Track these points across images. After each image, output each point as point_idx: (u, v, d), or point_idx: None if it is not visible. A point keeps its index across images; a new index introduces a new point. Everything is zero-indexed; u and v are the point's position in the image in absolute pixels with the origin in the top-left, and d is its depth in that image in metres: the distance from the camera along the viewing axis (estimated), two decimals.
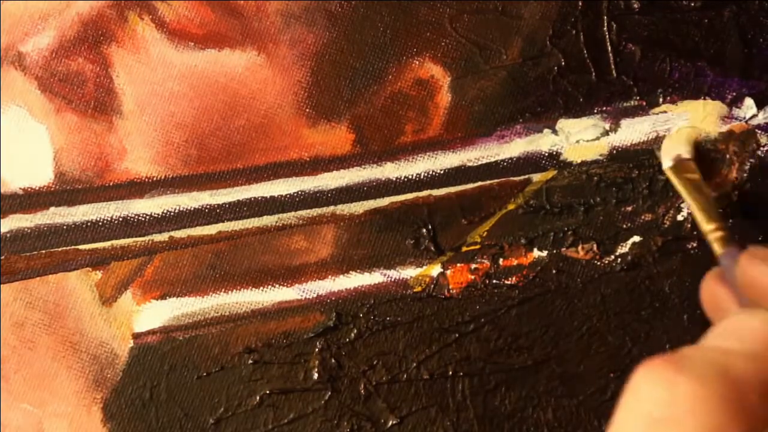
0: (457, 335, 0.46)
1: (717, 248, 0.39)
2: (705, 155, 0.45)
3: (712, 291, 0.39)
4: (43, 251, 0.45)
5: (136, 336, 0.45)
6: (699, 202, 0.41)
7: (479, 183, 0.45)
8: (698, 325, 0.44)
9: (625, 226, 0.46)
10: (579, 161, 0.45)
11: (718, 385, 0.28)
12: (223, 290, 0.46)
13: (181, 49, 0.45)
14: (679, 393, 0.28)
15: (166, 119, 0.45)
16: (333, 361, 0.46)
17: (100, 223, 0.45)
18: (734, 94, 0.45)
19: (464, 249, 0.46)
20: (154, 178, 0.45)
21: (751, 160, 0.45)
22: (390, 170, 0.45)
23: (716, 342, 0.31)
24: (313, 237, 0.46)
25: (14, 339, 0.45)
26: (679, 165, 0.44)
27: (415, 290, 0.46)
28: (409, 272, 0.46)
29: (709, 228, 0.40)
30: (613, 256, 0.45)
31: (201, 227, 0.45)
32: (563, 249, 0.46)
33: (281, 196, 0.45)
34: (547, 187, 0.45)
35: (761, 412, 0.28)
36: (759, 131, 0.45)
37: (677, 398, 0.28)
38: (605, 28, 0.45)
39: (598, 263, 0.45)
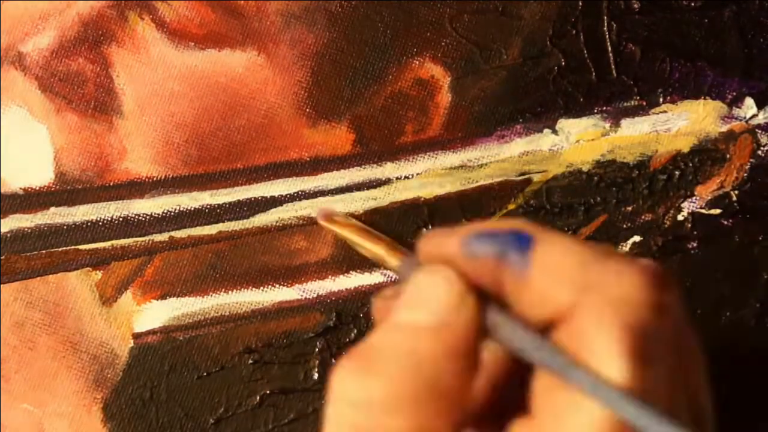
0: None
1: (392, 262, 0.38)
2: (704, 154, 0.45)
3: (383, 304, 0.36)
4: (43, 251, 0.45)
5: (137, 336, 0.45)
6: (366, 241, 0.40)
7: (479, 183, 0.45)
8: (698, 324, 0.44)
9: (625, 226, 0.46)
10: (579, 161, 0.45)
11: (402, 376, 0.28)
12: (223, 290, 0.46)
13: (181, 49, 0.45)
14: (367, 395, 0.28)
15: (166, 119, 0.45)
16: (333, 361, 0.46)
17: (100, 223, 0.45)
18: (734, 94, 0.45)
19: None
20: (155, 178, 0.45)
21: (751, 160, 0.45)
22: (390, 170, 0.45)
23: (406, 315, 0.30)
24: (313, 237, 0.46)
25: (14, 339, 0.45)
26: (334, 219, 0.43)
27: None
28: None
29: (379, 252, 0.39)
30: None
31: (201, 227, 0.45)
32: None
33: (281, 196, 0.45)
34: (547, 187, 0.45)
35: (457, 386, 0.28)
36: (759, 131, 0.45)
37: (366, 402, 0.28)
38: (605, 28, 0.45)
39: None
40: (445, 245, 0.31)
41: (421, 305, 0.30)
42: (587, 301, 0.27)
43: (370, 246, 0.39)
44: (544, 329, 0.29)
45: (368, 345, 0.29)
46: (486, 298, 0.30)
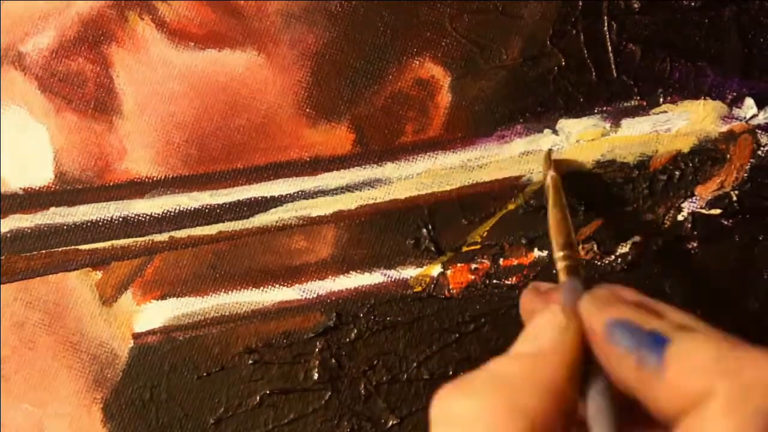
0: (457, 335, 0.46)
1: (561, 276, 0.38)
2: (704, 155, 0.45)
3: (530, 304, 0.39)
4: (43, 251, 0.45)
5: (137, 336, 0.45)
6: (561, 223, 0.40)
7: (479, 183, 0.45)
8: None
9: (625, 226, 0.46)
10: (579, 161, 0.45)
11: (493, 397, 0.30)
12: (223, 290, 0.46)
13: (181, 49, 0.45)
14: (460, 412, 0.30)
15: (166, 119, 0.45)
16: (333, 361, 0.46)
17: (100, 223, 0.45)
18: (734, 94, 0.45)
19: (464, 249, 0.46)
20: (154, 178, 0.45)
21: (751, 160, 0.45)
22: (390, 170, 0.45)
23: (515, 347, 0.33)
24: (313, 237, 0.46)
25: (14, 339, 0.45)
26: (560, 182, 0.43)
27: (415, 290, 0.46)
28: (409, 272, 0.46)
29: (560, 254, 0.38)
30: (613, 256, 0.45)
31: (201, 227, 0.45)
32: None
33: (281, 196, 0.45)
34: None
35: (544, 414, 0.30)
36: (759, 131, 0.45)
37: (459, 418, 0.30)
38: (605, 28, 0.45)
39: (598, 263, 0.45)
40: (592, 317, 0.33)
41: (530, 336, 0.33)
42: (720, 387, 0.29)
43: (555, 247, 0.40)
44: (676, 417, 0.30)
45: (475, 371, 0.32)
46: (594, 365, 0.33)
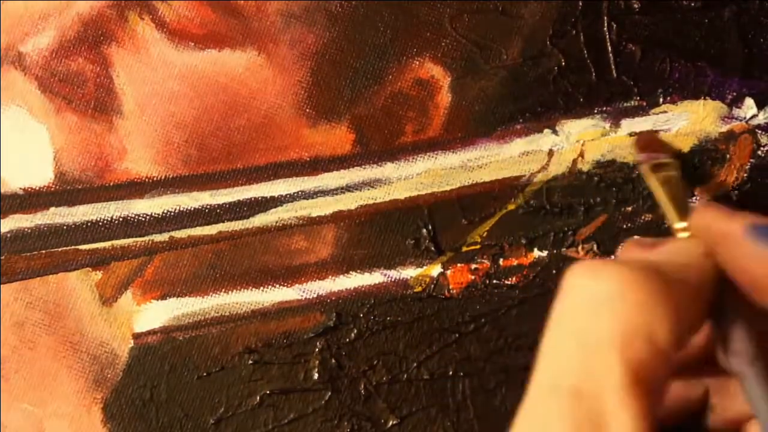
0: (457, 335, 0.46)
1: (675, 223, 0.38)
2: (704, 154, 0.45)
3: (632, 246, 0.39)
4: (43, 251, 0.45)
5: (137, 336, 0.45)
6: (672, 199, 0.40)
7: (479, 183, 0.45)
8: None
9: (625, 226, 0.46)
10: (579, 161, 0.45)
11: (645, 277, 0.30)
12: (223, 290, 0.46)
13: (181, 49, 0.45)
14: (606, 284, 0.30)
15: (166, 119, 0.45)
16: (333, 361, 0.46)
17: (100, 223, 0.45)
18: (734, 94, 0.45)
19: (464, 249, 0.46)
20: (154, 178, 0.45)
21: (751, 160, 0.45)
22: (390, 170, 0.45)
23: (656, 255, 0.33)
24: (313, 237, 0.46)
25: (14, 339, 0.45)
26: (655, 164, 0.43)
27: (415, 290, 0.46)
28: (409, 272, 0.46)
29: (680, 226, 0.39)
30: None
31: (201, 227, 0.45)
32: (563, 249, 0.46)
33: (281, 196, 0.45)
34: (547, 187, 0.45)
35: (688, 309, 0.30)
36: (759, 131, 0.45)
37: (604, 290, 0.29)
38: (605, 28, 0.45)
39: None
40: (728, 224, 0.33)
41: (669, 253, 0.33)
42: None
43: (663, 200, 0.39)
44: None
45: (606, 259, 0.33)
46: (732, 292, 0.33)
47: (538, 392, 0.29)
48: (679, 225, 0.38)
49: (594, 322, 0.29)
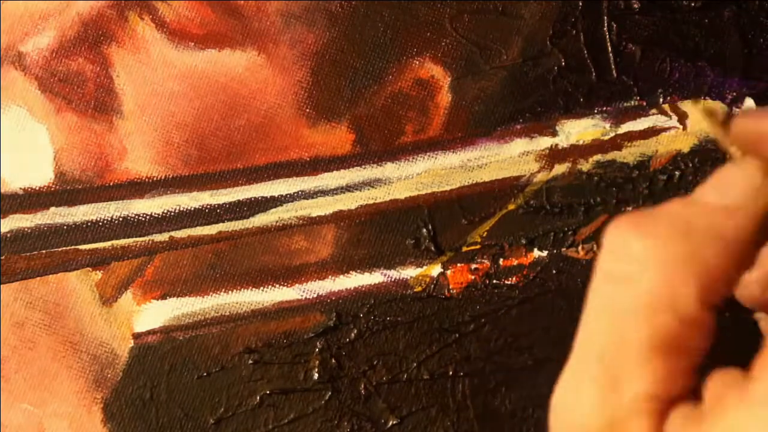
0: (457, 335, 0.46)
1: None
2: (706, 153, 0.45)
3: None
4: (43, 251, 0.45)
5: (137, 336, 0.45)
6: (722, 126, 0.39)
7: (479, 183, 0.45)
8: None
9: None
10: (579, 161, 0.45)
11: (671, 241, 0.29)
12: (223, 290, 0.46)
13: (181, 49, 0.45)
14: (634, 249, 0.29)
15: (166, 119, 0.45)
16: (333, 361, 0.46)
17: (100, 223, 0.45)
18: (734, 94, 0.45)
19: (464, 249, 0.46)
20: (155, 178, 0.45)
21: None
22: (390, 170, 0.45)
23: (699, 196, 0.32)
24: (313, 237, 0.46)
25: (14, 339, 0.45)
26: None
27: (415, 290, 0.46)
28: (409, 272, 0.46)
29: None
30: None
31: (201, 227, 0.45)
32: (563, 249, 0.46)
33: (281, 196, 0.45)
34: (547, 187, 0.45)
35: (719, 268, 0.29)
36: None
37: (631, 255, 0.29)
38: (605, 28, 0.45)
39: None
40: (765, 124, 0.32)
41: (717, 188, 0.32)
42: None
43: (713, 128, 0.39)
44: None
45: (653, 210, 0.31)
46: None
47: (573, 358, 0.30)
48: (732, 148, 0.38)
49: (621, 290, 0.29)
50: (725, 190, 0.32)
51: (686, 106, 0.43)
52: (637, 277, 0.29)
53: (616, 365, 0.28)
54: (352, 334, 0.46)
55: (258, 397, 0.46)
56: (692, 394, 0.29)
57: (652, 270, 0.29)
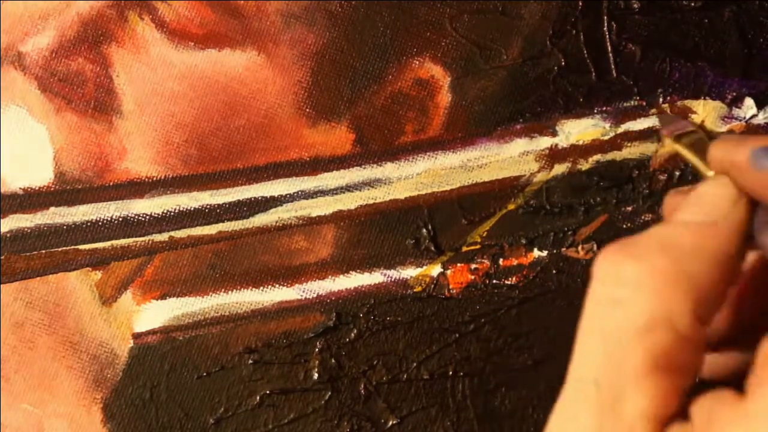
0: (457, 335, 0.46)
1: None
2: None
3: (673, 200, 0.38)
4: (43, 251, 0.45)
5: (136, 336, 0.45)
6: (701, 156, 0.39)
7: (479, 183, 0.46)
8: None
9: (625, 226, 0.46)
10: (579, 161, 0.45)
11: (660, 262, 0.30)
12: (223, 290, 0.46)
13: (181, 49, 0.45)
14: (625, 274, 0.30)
15: (166, 119, 0.45)
16: (333, 361, 0.46)
17: (100, 223, 0.45)
18: (734, 94, 0.45)
19: (464, 249, 0.46)
20: (154, 178, 0.45)
21: None
22: (390, 170, 0.45)
23: (679, 215, 0.33)
24: (313, 237, 0.46)
25: (14, 339, 0.45)
26: (678, 135, 0.42)
27: (415, 290, 0.46)
28: (409, 272, 0.46)
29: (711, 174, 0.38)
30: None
31: (201, 227, 0.45)
32: (563, 249, 0.46)
33: (281, 196, 0.45)
34: (547, 187, 0.45)
35: (709, 282, 0.30)
36: (759, 131, 0.45)
37: (623, 279, 0.30)
38: (605, 28, 0.45)
39: None
40: (735, 153, 0.33)
41: (696, 206, 0.33)
42: None
43: (692, 159, 0.39)
44: None
45: (639, 236, 0.32)
46: (757, 207, 0.32)
47: (568, 385, 0.30)
48: (710, 173, 0.38)
49: (614, 314, 0.30)
50: (704, 208, 0.32)
51: (666, 141, 0.42)
52: (631, 299, 0.29)
53: (612, 388, 0.29)
54: (352, 334, 0.46)
55: (258, 397, 0.46)
56: (683, 414, 0.29)
57: (646, 291, 0.29)
